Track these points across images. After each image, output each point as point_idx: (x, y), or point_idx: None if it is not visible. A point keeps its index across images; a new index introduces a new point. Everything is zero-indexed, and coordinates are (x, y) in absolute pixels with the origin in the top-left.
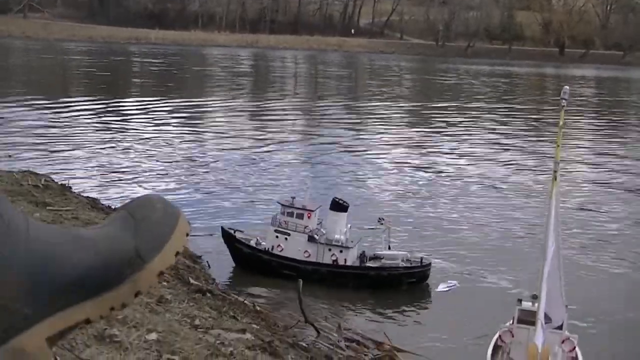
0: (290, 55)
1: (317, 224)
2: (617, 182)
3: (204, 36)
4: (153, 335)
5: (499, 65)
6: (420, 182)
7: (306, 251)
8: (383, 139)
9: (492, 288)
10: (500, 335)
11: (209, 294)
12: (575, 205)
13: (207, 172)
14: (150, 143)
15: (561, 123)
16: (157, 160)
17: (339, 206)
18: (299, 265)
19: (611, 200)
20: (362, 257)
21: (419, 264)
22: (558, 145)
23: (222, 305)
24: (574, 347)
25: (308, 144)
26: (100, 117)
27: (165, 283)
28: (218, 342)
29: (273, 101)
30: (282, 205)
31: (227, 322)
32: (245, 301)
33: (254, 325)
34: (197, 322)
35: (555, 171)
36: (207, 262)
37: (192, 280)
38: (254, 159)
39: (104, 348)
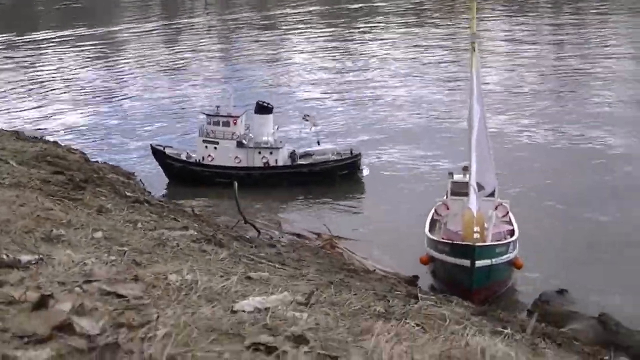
0: None
1: (245, 130)
2: (534, 54)
3: None
4: (99, 234)
5: None
6: (341, 76)
7: (237, 157)
8: (299, 41)
9: (424, 167)
10: (435, 210)
11: (147, 204)
12: (498, 78)
13: (126, 95)
14: (66, 73)
15: None
16: (76, 90)
17: (263, 109)
18: (231, 172)
19: (531, 69)
20: (292, 155)
21: (349, 155)
22: (473, 18)
23: (162, 211)
24: (507, 212)
25: (226, 56)
26: (10, 54)
27: (103, 198)
28: (163, 237)
29: (185, 20)
30: (207, 115)
31: (169, 223)
32: (184, 208)
33: (196, 225)
34: (139, 225)
35: (472, 42)
36: (140, 180)
37: (128, 193)
38: (173, 78)
39: (52, 248)
